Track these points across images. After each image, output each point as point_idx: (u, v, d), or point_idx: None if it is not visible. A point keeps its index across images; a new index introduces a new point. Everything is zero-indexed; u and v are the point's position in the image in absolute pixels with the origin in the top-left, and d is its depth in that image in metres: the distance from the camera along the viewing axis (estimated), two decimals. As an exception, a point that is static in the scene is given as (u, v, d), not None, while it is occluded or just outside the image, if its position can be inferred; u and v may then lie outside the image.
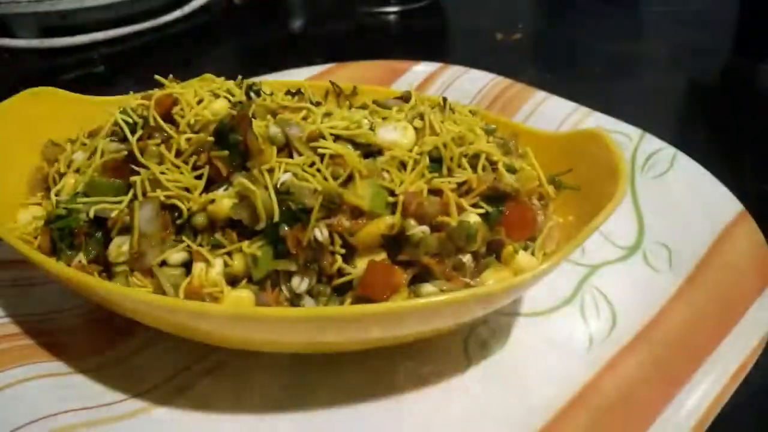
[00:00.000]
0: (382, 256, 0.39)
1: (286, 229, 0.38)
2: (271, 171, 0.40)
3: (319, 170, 0.39)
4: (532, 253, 0.42)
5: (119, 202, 0.41)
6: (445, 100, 0.45)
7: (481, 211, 0.40)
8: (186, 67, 0.91)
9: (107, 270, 0.41)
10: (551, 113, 0.66)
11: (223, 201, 0.39)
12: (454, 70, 0.76)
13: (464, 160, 0.41)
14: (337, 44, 0.97)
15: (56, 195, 0.44)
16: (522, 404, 0.42)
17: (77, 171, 0.45)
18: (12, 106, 0.50)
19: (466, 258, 0.40)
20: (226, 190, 0.40)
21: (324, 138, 0.40)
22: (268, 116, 0.44)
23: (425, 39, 1.03)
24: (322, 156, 0.40)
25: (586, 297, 0.50)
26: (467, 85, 0.73)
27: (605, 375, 0.43)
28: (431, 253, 0.39)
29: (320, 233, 0.37)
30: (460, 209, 0.40)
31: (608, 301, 0.50)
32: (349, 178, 0.39)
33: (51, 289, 0.50)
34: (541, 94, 0.71)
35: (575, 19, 1.09)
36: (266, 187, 0.39)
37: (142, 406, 0.42)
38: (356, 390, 0.42)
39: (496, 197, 0.41)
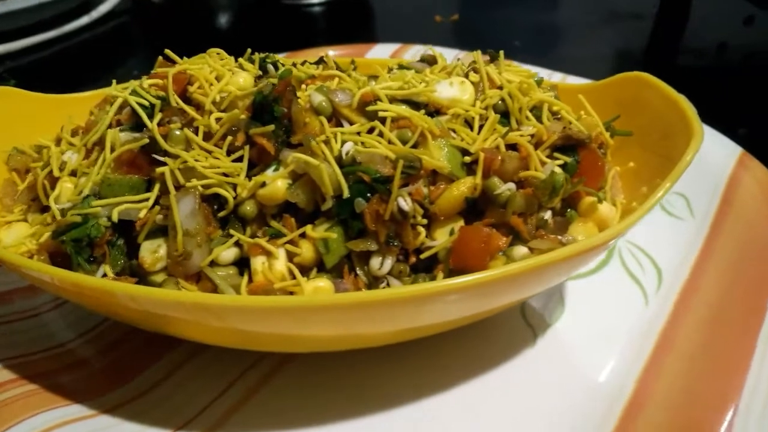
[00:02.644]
0: (460, 224, 0.35)
1: (364, 203, 0.33)
2: (326, 143, 0.35)
3: (381, 135, 0.35)
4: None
5: (143, 201, 0.35)
6: (493, 53, 0.42)
7: (560, 162, 0.37)
8: (109, 73, 0.83)
9: (141, 281, 0.34)
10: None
11: (277, 183, 0.34)
12: (417, 48, 0.73)
13: (528, 112, 0.38)
14: (267, 38, 0.91)
15: (54, 203, 0.36)
16: (604, 361, 0.40)
17: (73, 174, 0.37)
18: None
19: (547, 215, 0.37)
20: (276, 170, 0.35)
21: (380, 101, 0.36)
22: (303, 86, 0.38)
23: (357, 27, 1.00)
24: (382, 120, 0.35)
25: (624, 252, 0.49)
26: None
27: (677, 322, 0.42)
28: (517, 213, 0.35)
29: (405, 203, 0.33)
30: (540, 163, 0.36)
31: (646, 253, 0.49)
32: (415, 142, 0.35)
33: (42, 323, 0.42)
34: (505, 62, 0.70)
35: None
36: (326, 161, 0.34)
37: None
38: (449, 371, 0.39)
39: (567, 147, 0.38)
